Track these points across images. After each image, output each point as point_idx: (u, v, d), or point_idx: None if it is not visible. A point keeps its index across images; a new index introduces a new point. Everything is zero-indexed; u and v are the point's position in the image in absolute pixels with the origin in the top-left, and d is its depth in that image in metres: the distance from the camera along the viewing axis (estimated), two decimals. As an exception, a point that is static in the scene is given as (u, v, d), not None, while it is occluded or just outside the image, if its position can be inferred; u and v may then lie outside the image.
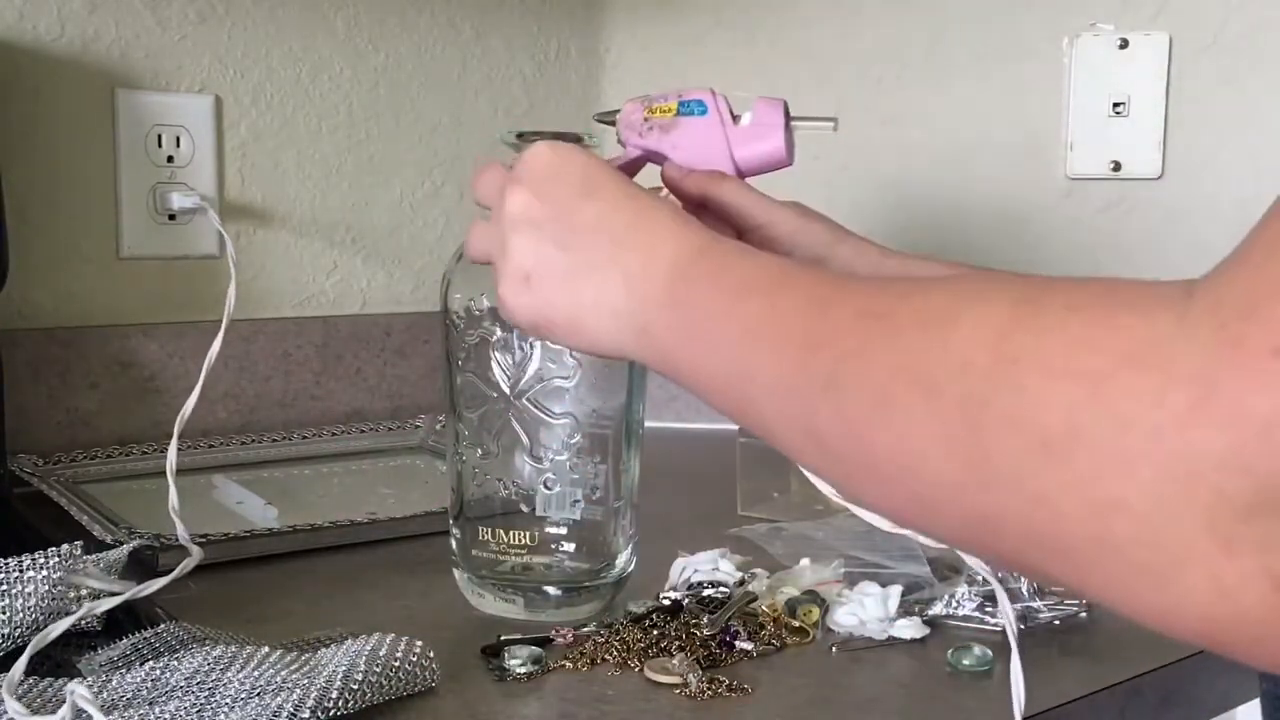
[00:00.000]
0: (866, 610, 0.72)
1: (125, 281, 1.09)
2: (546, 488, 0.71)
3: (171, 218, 1.09)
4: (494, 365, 0.71)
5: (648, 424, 0.75)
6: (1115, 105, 1.21)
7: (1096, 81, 1.22)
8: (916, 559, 0.77)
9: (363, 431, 1.15)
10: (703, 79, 1.35)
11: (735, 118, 0.73)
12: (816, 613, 0.72)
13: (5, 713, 0.55)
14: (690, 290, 0.51)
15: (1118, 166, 1.22)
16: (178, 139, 1.09)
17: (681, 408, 1.33)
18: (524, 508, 0.71)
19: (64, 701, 0.56)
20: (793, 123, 0.74)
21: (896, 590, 0.73)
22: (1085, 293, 0.37)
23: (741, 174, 0.72)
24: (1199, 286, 0.34)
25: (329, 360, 1.19)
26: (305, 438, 1.11)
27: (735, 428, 0.99)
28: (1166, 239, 1.22)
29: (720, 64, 1.33)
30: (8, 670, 0.58)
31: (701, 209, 0.69)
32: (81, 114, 1.05)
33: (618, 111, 0.75)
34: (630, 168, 0.74)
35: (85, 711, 0.53)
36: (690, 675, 0.63)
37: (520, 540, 0.71)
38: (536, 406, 0.70)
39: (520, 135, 0.71)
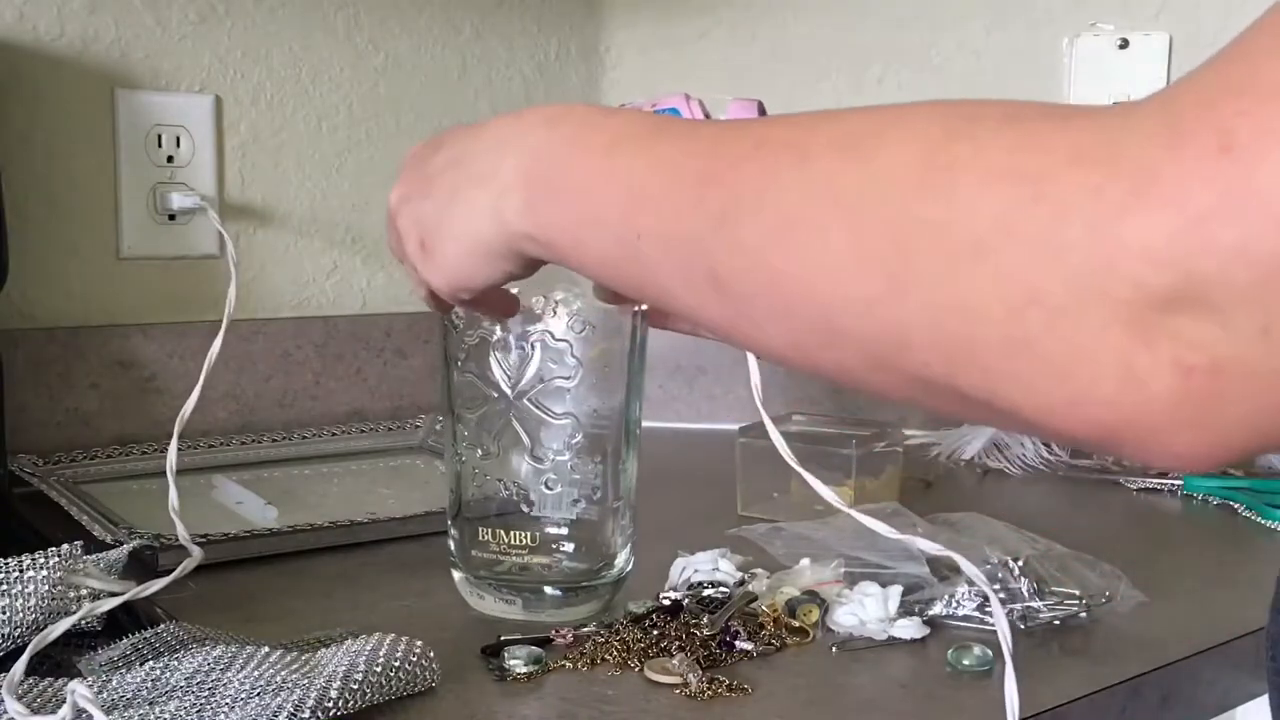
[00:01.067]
0: (866, 610, 0.72)
1: (125, 281, 1.09)
2: (546, 488, 0.71)
3: (171, 218, 1.09)
4: (494, 365, 0.71)
5: (647, 424, 0.75)
6: (1115, 105, 1.21)
7: (1096, 81, 1.22)
8: (916, 559, 0.77)
9: (363, 431, 1.15)
10: (703, 79, 1.36)
11: (709, 117, 0.73)
12: (816, 613, 0.72)
13: (5, 713, 0.55)
14: (551, 168, 0.49)
15: (1118, 166, 1.22)
16: (178, 139, 1.09)
17: (681, 408, 1.33)
18: (524, 508, 0.71)
19: (64, 701, 0.56)
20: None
21: (896, 590, 0.73)
22: (1026, 108, 0.37)
23: None
24: (1150, 96, 0.34)
25: (329, 360, 1.19)
26: (305, 438, 1.11)
27: (735, 427, 0.99)
28: (1166, 239, 1.22)
29: (720, 64, 1.33)
30: (8, 670, 0.58)
31: None
32: (81, 114, 1.05)
33: None
34: None
35: (85, 711, 0.53)
36: (690, 675, 0.63)
37: (519, 540, 0.71)
38: (537, 406, 0.70)
39: None
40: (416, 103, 1.24)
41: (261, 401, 1.15)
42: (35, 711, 0.55)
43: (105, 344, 1.07)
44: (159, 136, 1.08)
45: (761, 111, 0.74)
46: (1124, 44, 1.21)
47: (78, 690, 0.53)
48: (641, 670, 0.65)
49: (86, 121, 1.05)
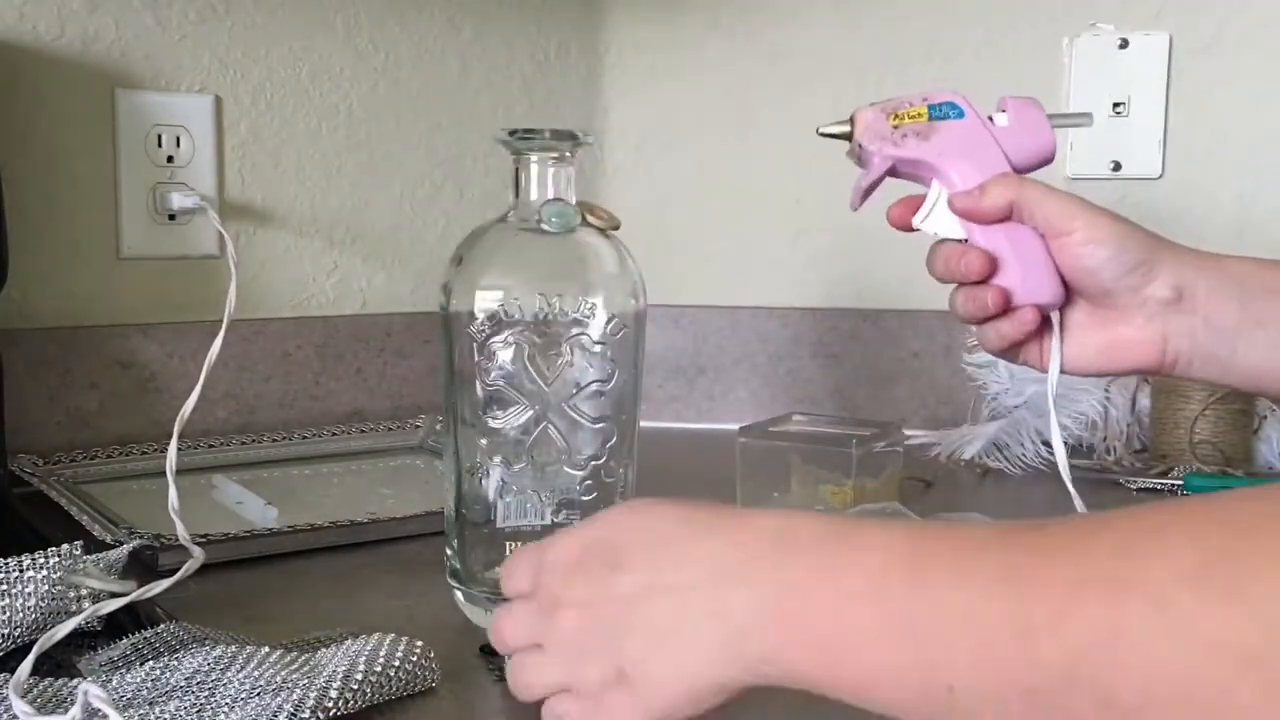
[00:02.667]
0: (866, 610, 0.71)
1: (125, 281, 1.09)
2: (584, 495, 0.69)
3: (171, 218, 1.09)
4: (529, 374, 0.68)
5: (647, 424, 0.75)
6: (1115, 105, 1.21)
7: (1096, 81, 1.22)
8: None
9: (363, 431, 1.15)
10: (703, 79, 1.36)
11: (989, 118, 0.72)
12: (816, 613, 0.72)
13: (11, 712, 0.55)
14: (801, 612, 0.44)
15: (1118, 166, 1.22)
16: (178, 139, 1.09)
17: (681, 408, 1.33)
18: (555, 518, 0.69)
19: (63, 700, 0.56)
20: (1051, 120, 0.72)
21: (896, 590, 0.72)
22: None
23: (1013, 169, 0.70)
24: None
25: (329, 360, 1.19)
26: (305, 438, 1.11)
27: (735, 427, 0.99)
28: (1167, 239, 1.22)
29: (720, 64, 1.33)
30: (6, 670, 0.58)
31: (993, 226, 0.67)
32: (81, 114, 1.05)
33: (846, 124, 0.71)
34: (875, 185, 0.71)
35: (96, 711, 0.53)
36: None
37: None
38: (575, 412, 0.69)
39: (512, 133, 0.71)
40: (416, 103, 1.24)
41: (261, 401, 1.15)
42: (40, 711, 0.55)
43: (105, 344, 1.07)
44: (159, 136, 1.08)
45: (1036, 102, 0.71)
46: (1124, 44, 1.21)
47: (90, 690, 0.53)
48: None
49: (86, 121, 1.05)
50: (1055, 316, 0.69)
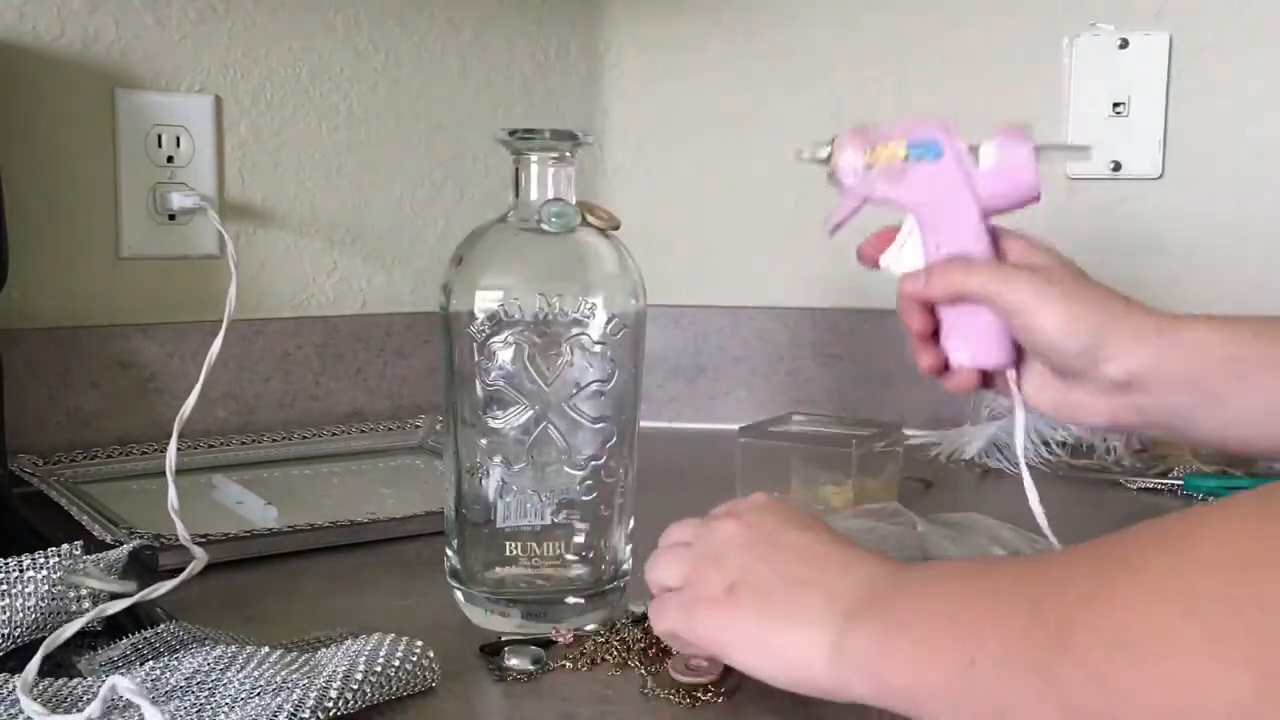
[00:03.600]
0: (866, 610, 0.71)
1: (125, 281, 1.09)
2: (584, 494, 0.70)
3: (171, 218, 1.09)
4: (529, 374, 0.68)
5: (647, 424, 0.75)
6: (1115, 105, 1.21)
7: (1096, 81, 1.22)
8: (914, 558, 0.77)
9: (363, 431, 1.15)
10: (703, 79, 1.36)
11: (974, 150, 0.69)
12: (816, 613, 0.72)
13: (11, 711, 0.55)
14: (895, 588, 0.51)
15: (1118, 167, 1.22)
16: (178, 139, 1.09)
17: (681, 407, 1.33)
18: (555, 518, 0.70)
19: (64, 700, 0.56)
20: (1042, 152, 0.69)
21: (896, 590, 0.73)
22: None
23: (986, 215, 0.69)
24: None
25: (329, 360, 1.19)
26: (305, 438, 1.11)
27: (735, 427, 0.99)
28: (1166, 239, 1.22)
29: (720, 64, 1.33)
30: (7, 670, 0.58)
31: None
32: (81, 114, 1.05)
33: (827, 146, 0.71)
34: (853, 216, 0.72)
35: (115, 706, 0.52)
36: (715, 669, 0.62)
37: (553, 551, 0.69)
38: (575, 412, 0.69)
39: (512, 133, 0.71)
40: (416, 103, 1.24)
41: (261, 401, 1.15)
42: (53, 710, 0.54)
43: (105, 344, 1.07)
44: (159, 136, 1.08)
45: (1028, 138, 0.69)
46: (1124, 44, 1.21)
47: (120, 683, 0.52)
48: (647, 671, 0.64)
49: (86, 121, 1.05)
50: (1011, 375, 0.70)
